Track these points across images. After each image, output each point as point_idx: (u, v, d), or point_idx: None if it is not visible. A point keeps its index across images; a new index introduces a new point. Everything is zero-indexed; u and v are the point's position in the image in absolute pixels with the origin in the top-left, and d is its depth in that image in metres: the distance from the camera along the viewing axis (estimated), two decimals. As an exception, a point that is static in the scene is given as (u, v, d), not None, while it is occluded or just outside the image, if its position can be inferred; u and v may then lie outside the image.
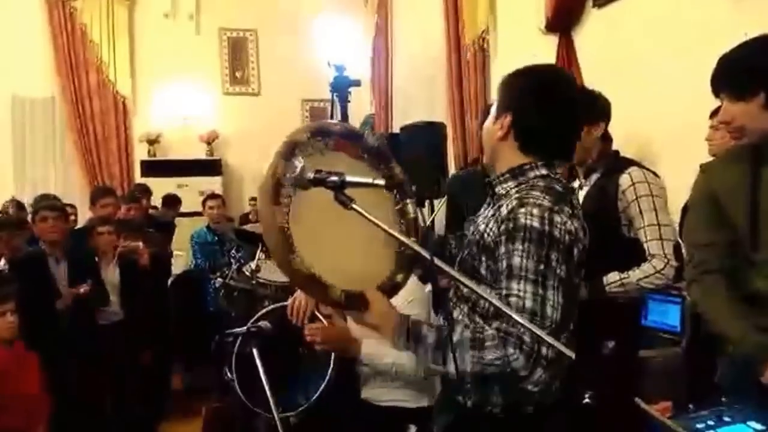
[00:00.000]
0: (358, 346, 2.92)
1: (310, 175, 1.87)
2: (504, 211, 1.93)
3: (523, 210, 1.87)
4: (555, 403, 2.03)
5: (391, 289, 2.13)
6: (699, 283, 2.45)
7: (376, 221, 1.80)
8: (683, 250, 2.92)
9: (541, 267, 1.82)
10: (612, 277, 2.99)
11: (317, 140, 2.10)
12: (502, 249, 1.88)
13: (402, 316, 2.00)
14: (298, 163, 1.93)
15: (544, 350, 1.77)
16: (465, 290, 2.03)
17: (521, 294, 1.82)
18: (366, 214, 1.80)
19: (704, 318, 2.47)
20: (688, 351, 3.64)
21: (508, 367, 1.79)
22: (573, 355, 1.58)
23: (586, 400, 2.06)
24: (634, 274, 2.97)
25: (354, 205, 1.82)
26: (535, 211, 1.86)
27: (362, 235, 1.88)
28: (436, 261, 1.76)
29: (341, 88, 4.62)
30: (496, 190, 2.07)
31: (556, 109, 2.05)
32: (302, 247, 1.91)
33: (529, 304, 1.81)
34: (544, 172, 2.02)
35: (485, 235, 1.97)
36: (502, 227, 1.90)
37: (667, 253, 2.95)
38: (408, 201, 2.28)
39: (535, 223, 1.84)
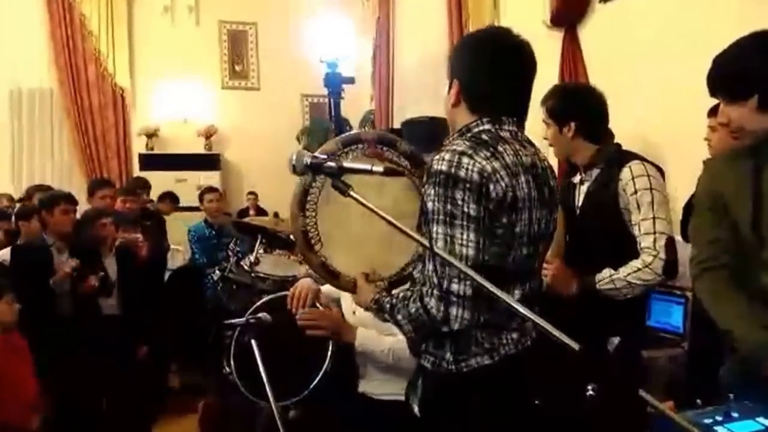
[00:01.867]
0: (353, 333, 2.92)
1: (307, 160, 1.92)
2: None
3: (437, 157, 1.95)
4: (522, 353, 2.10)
5: (399, 280, 2.38)
6: (704, 279, 2.44)
7: (374, 208, 1.83)
8: (677, 246, 2.94)
9: (448, 207, 1.90)
10: (603, 275, 2.97)
11: (351, 149, 2.24)
12: (424, 197, 1.97)
13: (379, 293, 2.21)
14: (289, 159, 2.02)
15: (454, 287, 1.90)
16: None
17: (434, 236, 1.91)
18: (363, 201, 1.84)
19: (710, 314, 2.42)
20: (691, 352, 3.64)
21: (428, 315, 1.94)
22: (576, 346, 1.48)
23: (590, 392, 2.02)
24: (623, 270, 2.95)
25: (351, 192, 1.87)
26: (446, 156, 1.93)
27: (386, 228, 1.90)
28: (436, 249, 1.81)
29: (334, 84, 4.70)
30: None
31: (495, 67, 2.12)
32: (327, 243, 2.30)
33: (440, 244, 1.90)
34: (488, 127, 2.08)
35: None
36: (425, 177, 2.01)
37: (657, 247, 2.92)
38: None
39: (443, 167, 1.92)
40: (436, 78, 8.19)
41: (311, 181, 2.24)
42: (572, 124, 3.12)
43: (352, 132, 2.45)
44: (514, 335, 2.08)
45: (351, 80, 4.74)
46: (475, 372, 2.04)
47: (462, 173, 1.90)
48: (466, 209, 1.90)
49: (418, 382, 2.24)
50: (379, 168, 1.92)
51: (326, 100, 11.19)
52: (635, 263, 2.94)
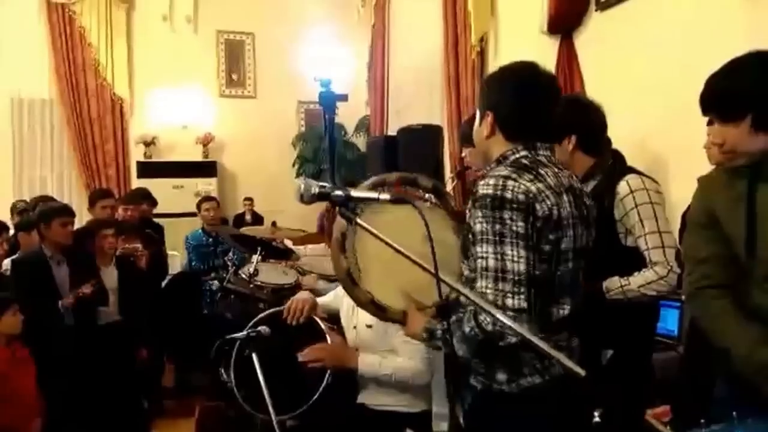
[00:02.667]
0: (355, 360, 2.95)
1: (315, 190, 1.93)
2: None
3: (482, 182, 2.05)
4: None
5: (444, 305, 2.31)
6: (699, 297, 2.44)
7: (385, 238, 1.85)
8: (683, 258, 2.92)
9: (497, 227, 1.98)
10: (613, 284, 2.97)
11: (378, 191, 2.23)
12: (470, 220, 2.06)
13: (429, 322, 2.22)
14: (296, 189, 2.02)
15: (509, 302, 1.94)
16: (465, 273, 2.19)
17: (484, 255, 1.99)
18: (372, 230, 1.87)
19: (706, 332, 2.43)
20: (686, 357, 3.64)
21: (484, 333, 1.96)
22: (582, 372, 1.59)
23: (596, 419, 2.03)
24: (635, 281, 2.93)
25: (359, 220, 1.91)
26: (491, 181, 2.03)
27: (421, 253, 1.91)
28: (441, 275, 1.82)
29: (328, 101, 4.79)
30: None
31: (528, 98, 2.23)
32: (366, 277, 2.32)
33: (491, 263, 1.97)
34: (524, 153, 2.19)
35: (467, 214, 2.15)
36: (470, 202, 2.08)
37: (669, 260, 2.90)
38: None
39: (489, 191, 2.01)
40: (430, 84, 8.26)
41: (347, 224, 2.21)
42: (573, 137, 3.14)
43: (378, 176, 2.47)
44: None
45: (345, 97, 4.83)
46: (528, 391, 2.10)
47: (508, 195, 1.99)
48: (514, 228, 1.97)
49: (467, 397, 2.27)
50: (386, 196, 1.95)
51: (320, 106, 11.27)
52: (649, 275, 2.91)
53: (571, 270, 2.16)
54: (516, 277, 1.94)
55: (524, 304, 1.94)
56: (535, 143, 2.21)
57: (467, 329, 2.00)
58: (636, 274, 2.95)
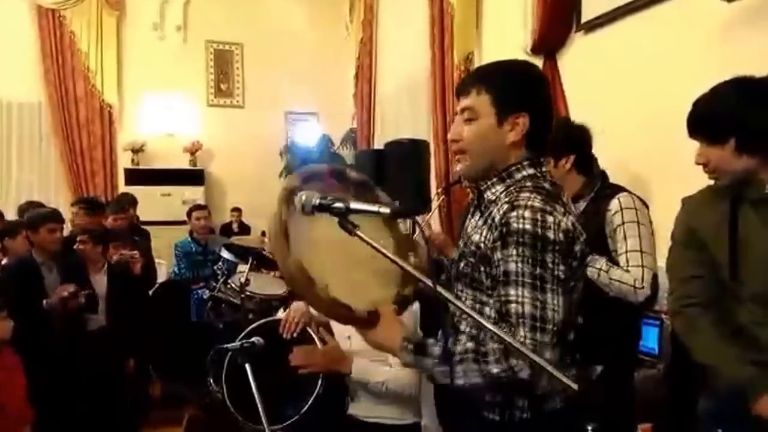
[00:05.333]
0: (348, 365, 2.93)
1: (316, 201, 1.88)
2: (496, 216, 1.90)
3: (514, 214, 1.83)
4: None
5: (402, 302, 2.16)
6: (682, 315, 2.51)
7: (380, 248, 1.80)
8: (659, 273, 3.00)
9: (538, 270, 1.78)
10: (597, 262, 3.04)
11: (310, 183, 2.11)
12: (498, 255, 1.85)
13: (409, 330, 2.00)
14: (298, 200, 1.93)
15: (547, 354, 1.74)
16: (467, 303, 1.99)
17: (519, 299, 1.77)
18: (370, 241, 1.82)
19: (689, 350, 2.50)
20: (668, 374, 3.70)
21: (515, 378, 1.76)
22: (575, 386, 1.57)
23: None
24: (614, 272, 3.02)
25: (358, 232, 1.83)
26: (527, 213, 1.81)
27: (367, 253, 1.87)
28: (439, 289, 1.72)
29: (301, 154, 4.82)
30: (486, 196, 2.03)
31: (550, 105, 2.09)
32: (320, 277, 1.94)
33: (528, 309, 1.76)
34: (531, 171, 1.98)
35: (481, 245, 1.94)
36: (496, 233, 1.87)
37: (644, 280, 2.99)
38: (398, 221, 2.32)
39: (528, 226, 1.80)
40: (417, 100, 8.33)
41: (288, 215, 1.99)
42: (571, 157, 3.22)
43: (309, 167, 2.30)
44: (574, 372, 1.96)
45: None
46: (551, 416, 1.95)
47: (550, 234, 1.80)
48: (556, 272, 1.80)
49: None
50: (386, 210, 1.86)
51: (309, 117, 11.37)
52: (627, 277, 2.99)
53: (577, 299, 1.98)
54: (555, 328, 1.77)
55: (558, 356, 1.78)
56: (540, 160, 2.03)
57: (496, 370, 1.77)
58: (618, 268, 3.04)
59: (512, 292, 1.79)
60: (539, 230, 1.80)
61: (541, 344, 1.74)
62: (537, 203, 1.84)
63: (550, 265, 1.79)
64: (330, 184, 2.20)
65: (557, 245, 1.81)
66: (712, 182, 2.53)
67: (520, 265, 1.79)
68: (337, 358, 2.95)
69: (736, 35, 3.85)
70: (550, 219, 1.81)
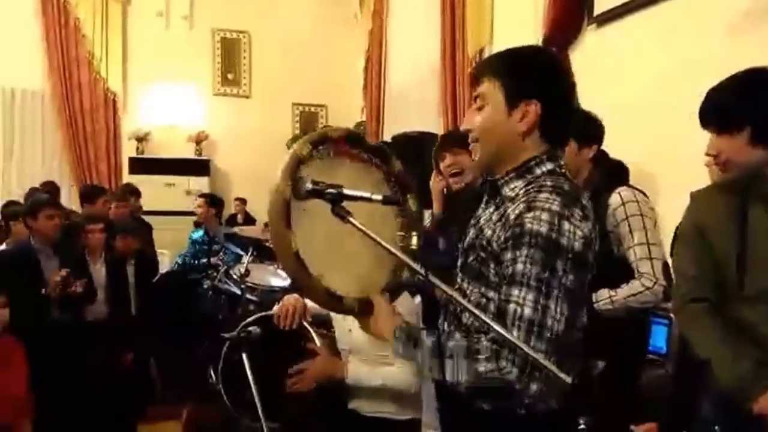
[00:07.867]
0: (342, 372, 2.90)
1: (309, 186, 1.86)
2: (512, 216, 1.81)
3: (530, 215, 1.75)
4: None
5: (396, 288, 2.15)
6: (686, 312, 2.49)
7: (371, 234, 1.80)
8: (671, 271, 2.94)
9: (545, 275, 1.71)
10: (602, 294, 3.00)
11: (320, 149, 2.07)
12: (508, 255, 1.77)
13: (404, 321, 1.97)
14: (306, 176, 1.91)
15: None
16: (472, 297, 1.91)
17: (520, 301, 1.71)
18: (362, 227, 1.80)
19: (691, 345, 2.47)
20: (675, 374, 3.65)
21: (502, 380, 1.70)
22: (569, 380, 1.54)
23: (581, 426, 2.04)
24: (622, 292, 3.01)
25: (351, 219, 1.81)
26: (544, 216, 1.74)
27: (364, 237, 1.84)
28: (431, 277, 1.73)
29: None
30: (503, 192, 1.93)
31: (570, 92, 1.99)
32: (314, 263, 1.94)
33: (528, 312, 1.70)
34: (550, 166, 1.90)
35: (492, 243, 1.85)
36: (509, 233, 1.79)
37: (655, 272, 2.99)
38: (408, 195, 2.27)
39: (543, 229, 1.73)
40: (427, 92, 8.25)
41: (291, 191, 1.95)
42: (594, 147, 3.22)
43: (320, 130, 2.24)
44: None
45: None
46: (547, 415, 1.83)
47: (564, 241, 1.73)
48: (564, 280, 1.73)
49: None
50: (378, 197, 1.87)
51: (317, 109, 11.28)
52: (635, 286, 2.99)
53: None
54: (553, 337, 1.69)
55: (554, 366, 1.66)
56: (558, 152, 1.95)
57: (482, 368, 1.73)
58: (623, 285, 3.00)
59: (515, 292, 1.73)
60: (553, 235, 1.73)
61: (536, 351, 1.64)
62: (555, 206, 1.76)
63: (560, 272, 1.72)
64: (342, 149, 2.16)
65: (570, 254, 1.74)
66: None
67: (528, 266, 1.73)
68: (330, 368, 2.92)
69: (749, 29, 3.82)
70: (566, 226, 1.74)
